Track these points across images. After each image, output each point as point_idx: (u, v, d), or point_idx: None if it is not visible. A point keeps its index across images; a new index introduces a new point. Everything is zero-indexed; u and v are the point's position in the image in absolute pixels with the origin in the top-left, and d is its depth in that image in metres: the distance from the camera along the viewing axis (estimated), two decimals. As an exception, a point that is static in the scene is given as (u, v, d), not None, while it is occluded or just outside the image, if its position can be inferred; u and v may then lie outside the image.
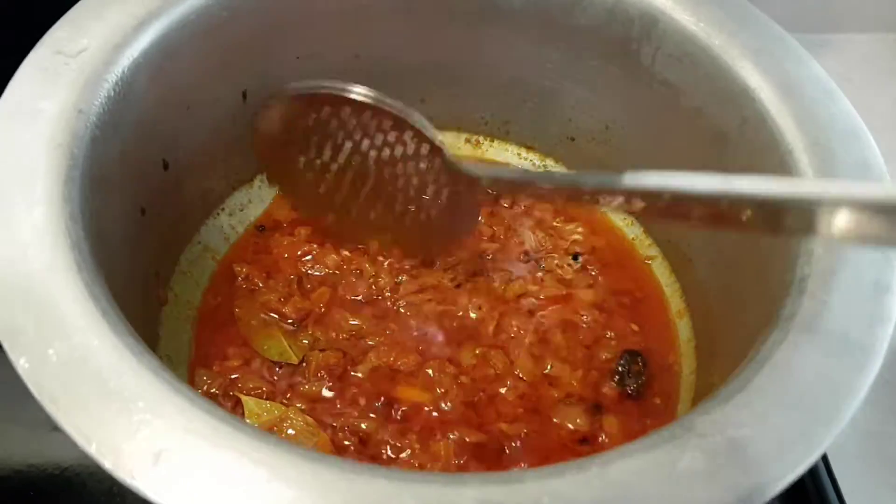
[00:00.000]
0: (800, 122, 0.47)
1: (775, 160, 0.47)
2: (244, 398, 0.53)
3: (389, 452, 0.51)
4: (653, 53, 0.56)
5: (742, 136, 0.50)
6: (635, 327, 0.58)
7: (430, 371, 0.55)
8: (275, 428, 0.51)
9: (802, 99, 0.47)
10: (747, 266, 0.49)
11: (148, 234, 0.53)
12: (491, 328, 0.57)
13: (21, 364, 0.34)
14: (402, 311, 0.58)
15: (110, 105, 0.46)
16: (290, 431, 0.51)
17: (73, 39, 0.46)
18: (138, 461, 0.31)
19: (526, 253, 0.62)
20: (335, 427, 0.52)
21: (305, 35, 0.59)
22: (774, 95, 0.48)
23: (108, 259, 0.44)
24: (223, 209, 0.63)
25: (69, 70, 0.45)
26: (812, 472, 0.33)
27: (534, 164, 0.69)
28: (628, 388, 0.54)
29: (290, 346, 0.56)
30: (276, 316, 0.57)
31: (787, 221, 0.33)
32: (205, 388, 0.53)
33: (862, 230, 0.31)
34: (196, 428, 0.33)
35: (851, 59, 0.92)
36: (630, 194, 0.40)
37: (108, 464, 0.31)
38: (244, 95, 0.58)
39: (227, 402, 0.53)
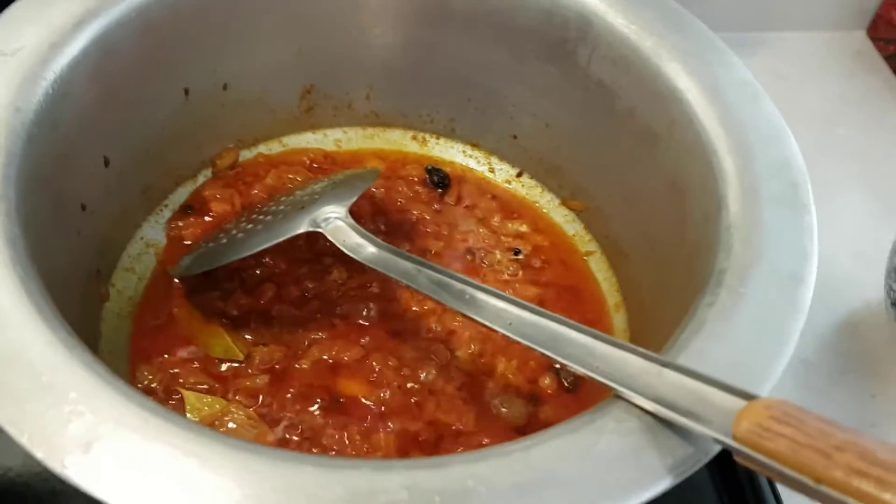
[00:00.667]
0: (725, 124, 0.48)
1: (702, 161, 0.48)
2: (185, 392, 0.53)
3: (331, 445, 0.51)
4: (588, 55, 0.57)
5: (671, 137, 0.52)
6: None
7: (373, 363, 0.55)
8: (216, 422, 0.52)
9: (728, 102, 0.49)
10: (676, 260, 0.51)
11: (89, 230, 0.53)
12: (433, 322, 0.58)
13: (-50, 360, 0.34)
14: (347, 306, 0.59)
15: (48, 103, 0.46)
16: (231, 425, 0.52)
17: (10, 38, 0.46)
18: (69, 451, 0.32)
19: (469, 249, 0.64)
20: (277, 421, 0.52)
21: (248, 31, 0.59)
22: (702, 98, 0.50)
23: (46, 257, 0.44)
24: (166, 205, 0.63)
25: (6, 67, 0.45)
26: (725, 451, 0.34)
27: (479, 162, 0.70)
28: (565, 381, 0.55)
29: (234, 343, 0.56)
30: (219, 314, 0.57)
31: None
32: (146, 383, 0.53)
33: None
34: (128, 420, 0.33)
35: (785, 57, 0.95)
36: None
37: (39, 454, 0.32)
38: (186, 92, 0.59)
39: (169, 397, 0.53)
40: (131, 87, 0.54)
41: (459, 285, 0.46)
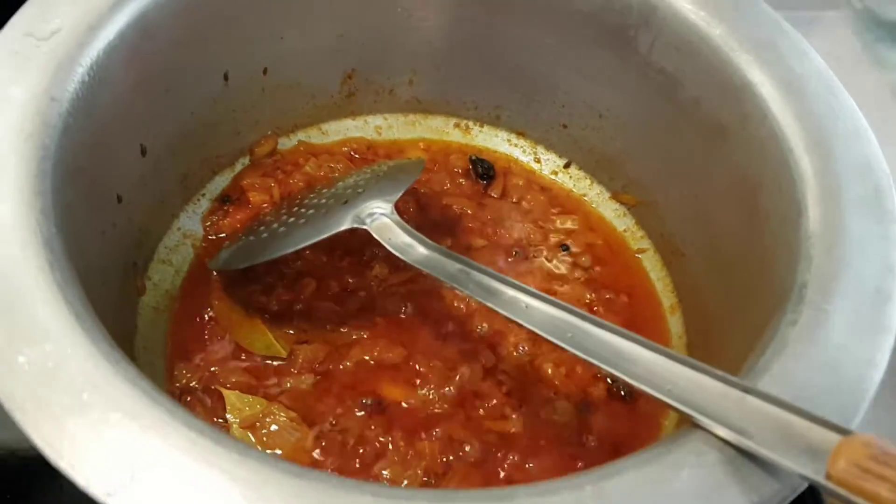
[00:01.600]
0: (801, 120, 0.45)
1: (777, 159, 0.45)
2: (225, 392, 0.51)
3: (374, 451, 0.49)
4: (650, 42, 0.54)
5: (743, 131, 0.49)
6: (629, 327, 0.56)
7: (416, 366, 0.53)
8: (257, 423, 0.50)
9: (804, 96, 0.46)
10: (744, 266, 0.48)
11: (125, 222, 0.51)
12: (479, 321, 0.56)
13: (-11, 370, 0.32)
14: (389, 303, 0.56)
15: (84, 90, 0.43)
16: (273, 427, 0.50)
17: (44, 20, 0.44)
18: (113, 478, 0.30)
19: (515, 246, 0.61)
20: (319, 423, 0.50)
21: (288, 14, 0.56)
22: (776, 92, 0.47)
23: (83, 252, 0.42)
24: (204, 194, 0.61)
25: (40, 53, 0.43)
26: (812, 488, 0.32)
27: (524, 151, 0.67)
28: (620, 390, 0.53)
29: (276, 340, 0.54)
30: (259, 309, 0.55)
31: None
32: (184, 381, 0.52)
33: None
34: (174, 442, 0.31)
35: (837, 36, 0.91)
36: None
37: (81, 480, 0.30)
38: (225, 77, 0.56)
39: (208, 396, 0.51)
40: (169, 72, 0.51)
41: (511, 292, 0.43)
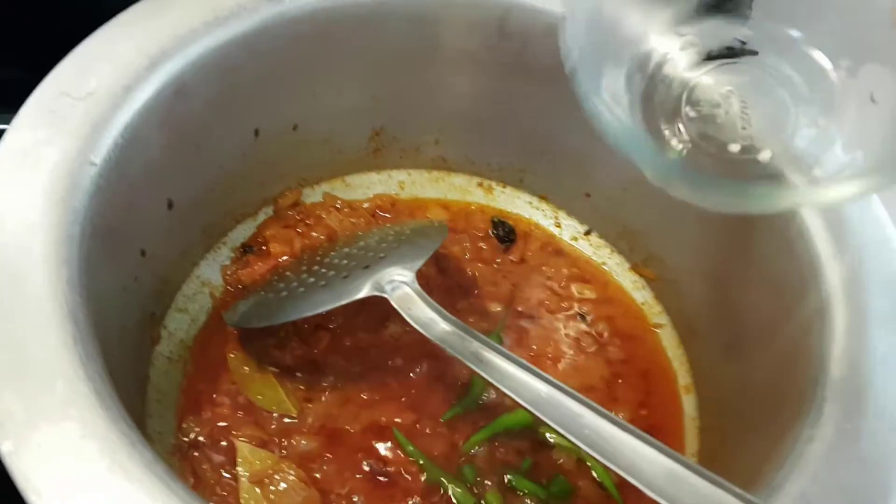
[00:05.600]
0: (830, 226, 0.45)
1: (804, 261, 0.45)
2: (239, 444, 0.51)
3: (379, 521, 0.49)
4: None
5: (770, 227, 0.48)
6: (643, 405, 0.57)
7: (425, 430, 0.53)
8: (266, 479, 0.50)
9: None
10: (763, 365, 0.48)
11: (147, 275, 0.51)
12: (489, 390, 0.55)
13: (5, 448, 0.32)
14: (402, 363, 0.56)
15: (117, 152, 0.44)
16: (282, 486, 0.50)
17: (80, 79, 0.44)
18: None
19: (531, 313, 0.61)
20: (325, 486, 0.50)
21: (325, 76, 0.57)
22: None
23: (104, 310, 0.43)
24: (225, 242, 0.61)
25: (75, 113, 0.43)
26: None
27: (545, 215, 0.67)
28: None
29: (287, 397, 0.54)
30: (272, 362, 0.55)
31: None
32: (192, 435, 0.52)
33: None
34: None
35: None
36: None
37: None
38: (256, 133, 0.56)
39: (215, 451, 0.51)
40: (202, 130, 0.52)
41: (529, 379, 0.43)
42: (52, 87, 0.44)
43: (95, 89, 0.44)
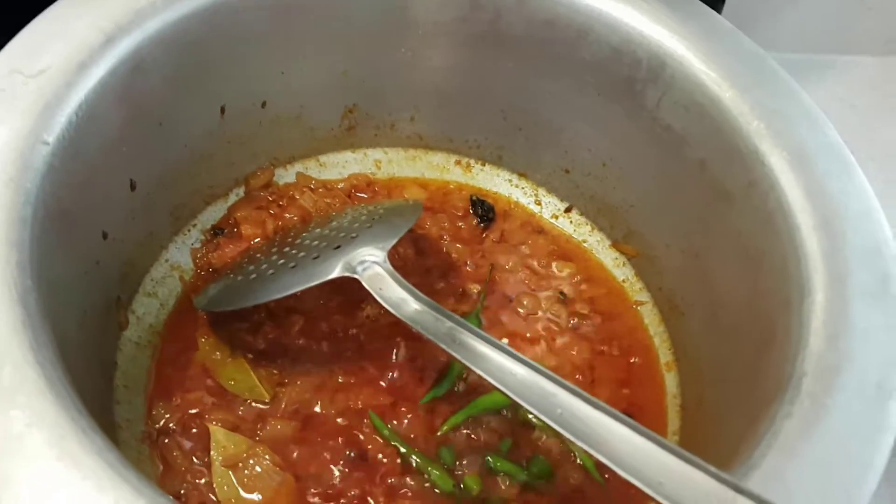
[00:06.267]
0: (811, 197, 0.44)
1: (782, 234, 0.44)
2: (213, 428, 0.50)
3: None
4: (658, 97, 0.52)
5: (748, 200, 0.47)
6: (624, 383, 0.56)
7: (401, 410, 0.52)
8: (240, 463, 0.49)
9: (816, 171, 0.45)
10: (743, 341, 0.46)
11: (110, 259, 0.49)
12: (468, 373, 0.54)
13: (-49, 437, 0.31)
14: (379, 347, 0.55)
15: (71, 130, 0.42)
16: (257, 469, 0.49)
17: (33, 56, 0.42)
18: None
19: (511, 292, 0.59)
20: (301, 471, 0.49)
21: (293, 50, 0.55)
22: (786, 164, 0.45)
23: (62, 296, 0.41)
24: (195, 225, 0.59)
25: (27, 92, 0.41)
26: None
27: (525, 193, 0.66)
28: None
29: (260, 382, 0.53)
30: (245, 347, 0.54)
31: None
32: (162, 422, 0.51)
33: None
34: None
35: (856, 83, 0.88)
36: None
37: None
38: (222, 110, 0.55)
39: (186, 438, 0.50)
40: (162, 107, 0.50)
41: (501, 358, 0.42)
42: (1, 66, 0.42)
43: (48, 66, 0.42)
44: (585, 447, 0.37)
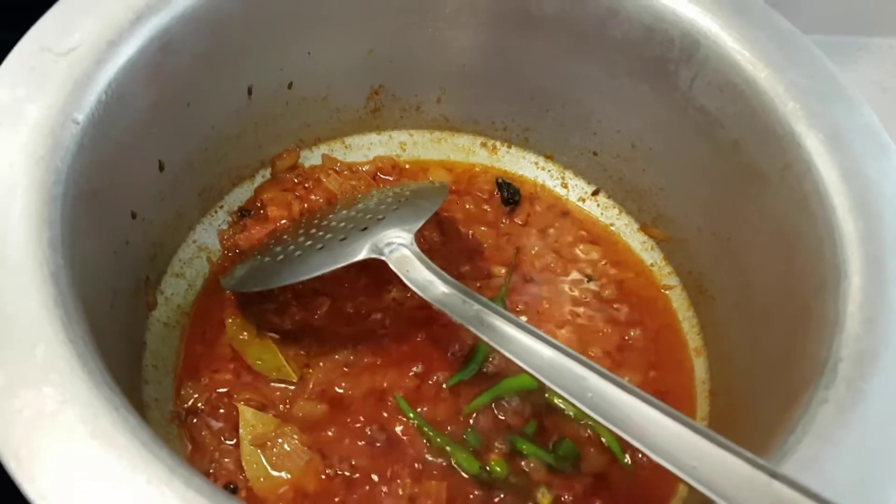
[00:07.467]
0: (847, 179, 0.43)
1: (818, 217, 0.43)
2: (241, 407, 0.50)
3: (380, 485, 0.48)
4: (691, 78, 0.52)
5: (783, 182, 0.46)
6: (652, 367, 0.55)
7: (429, 393, 0.52)
8: (269, 442, 0.49)
9: (852, 152, 0.44)
10: (776, 325, 0.46)
11: (139, 239, 0.50)
12: (493, 355, 0.54)
13: (-14, 414, 0.31)
14: (404, 329, 0.55)
15: (101, 109, 0.42)
16: (286, 448, 0.49)
17: (63, 34, 0.42)
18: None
19: (537, 275, 0.59)
20: (328, 452, 0.49)
21: (320, 30, 0.55)
22: (822, 146, 0.44)
23: (92, 275, 0.41)
24: (222, 206, 0.59)
25: (58, 70, 0.41)
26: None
27: (551, 175, 0.65)
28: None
29: (287, 363, 0.53)
30: (272, 328, 0.54)
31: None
32: (191, 402, 0.51)
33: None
34: (172, 501, 0.30)
35: (889, 65, 0.86)
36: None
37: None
38: (249, 91, 0.55)
39: (214, 418, 0.50)
40: (191, 87, 0.50)
41: (530, 341, 0.41)
42: (32, 44, 0.42)
43: (78, 45, 0.42)
44: (617, 430, 0.36)
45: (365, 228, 0.51)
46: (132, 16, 0.44)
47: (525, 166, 0.65)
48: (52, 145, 0.39)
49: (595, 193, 0.64)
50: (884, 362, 0.37)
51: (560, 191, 0.65)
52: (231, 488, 0.47)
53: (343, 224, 0.53)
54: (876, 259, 0.40)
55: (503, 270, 0.59)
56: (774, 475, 0.32)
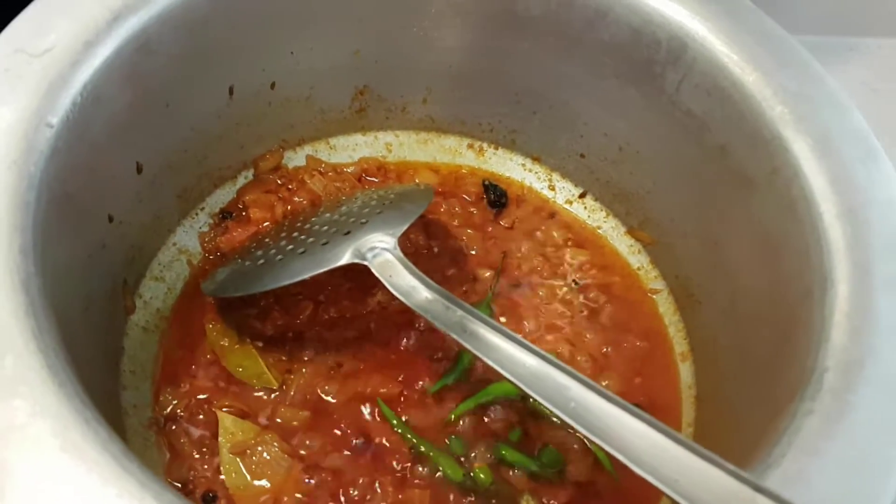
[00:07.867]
0: (835, 184, 0.42)
1: (805, 222, 0.43)
2: (221, 414, 0.50)
3: (362, 494, 0.48)
4: (678, 80, 0.51)
5: (770, 188, 0.46)
6: (638, 372, 0.55)
7: (412, 398, 0.51)
8: (248, 450, 0.49)
9: (840, 158, 0.43)
10: (763, 332, 0.45)
11: (116, 242, 0.49)
12: (478, 361, 0.53)
13: (-48, 427, 0.30)
14: (389, 334, 0.54)
15: (77, 112, 0.41)
16: (266, 456, 0.48)
17: (38, 35, 0.41)
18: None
19: (523, 279, 0.58)
20: (309, 460, 0.49)
21: (300, 30, 0.54)
22: (810, 151, 0.44)
23: (67, 278, 0.41)
24: (203, 208, 0.58)
25: (31, 72, 0.40)
26: None
27: (539, 177, 0.64)
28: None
29: (268, 369, 0.52)
30: (253, 333, 0.53)
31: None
32: (170, 409, 0.50)
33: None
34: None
35: (879, 67, 0.86)
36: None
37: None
38: (231, 91, 0.54)
39: (193, 425, 0.50)
40: (170, 88, 0.49)
41: (512, 349, 0.41)
42: (6, 45, 0.41)
43: (53, 46, 0.41)
44: (599, 441, 0.36)
45: (348, 232, 0.50)
46: (109, 16, 0.43)
47: (512, 168, 0.65)
48: (25, 149, 0.38)
49: (582, 196, 0.63)
50: (869, 373, 0.36)
51: (547, 193, 0.64)
52: (210, 497, 0.47)
53: (326, 228, 0.52)
54: (863, 267, 0.40)
55: (489, 274, 0.58)
56: (759, 489, 0.32)
